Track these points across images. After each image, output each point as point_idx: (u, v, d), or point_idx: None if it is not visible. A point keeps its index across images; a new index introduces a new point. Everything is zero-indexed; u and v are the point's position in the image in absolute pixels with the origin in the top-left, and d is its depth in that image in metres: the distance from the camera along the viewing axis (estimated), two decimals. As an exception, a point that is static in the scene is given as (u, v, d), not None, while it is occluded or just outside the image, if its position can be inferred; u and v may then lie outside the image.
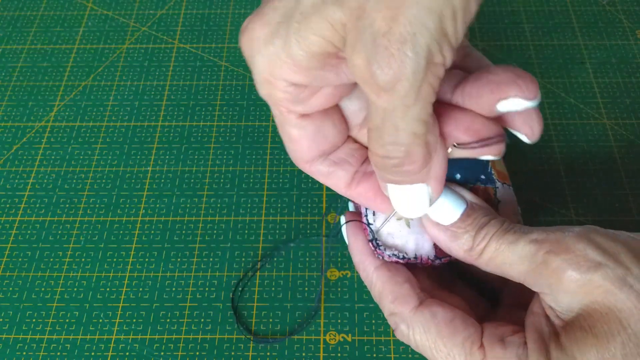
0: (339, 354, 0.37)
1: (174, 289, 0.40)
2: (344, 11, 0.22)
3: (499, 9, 0.54)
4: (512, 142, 0.45)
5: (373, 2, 0.22)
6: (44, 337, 0.38)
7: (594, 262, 0.26)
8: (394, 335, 0.37)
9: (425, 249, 0.32)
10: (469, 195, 0.31)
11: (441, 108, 0.28)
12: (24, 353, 0.37)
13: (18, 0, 0.56)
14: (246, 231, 0.42)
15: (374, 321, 0.38)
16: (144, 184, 0.44)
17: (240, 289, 0.40)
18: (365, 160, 0.31)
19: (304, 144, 0.28)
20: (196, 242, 0.42)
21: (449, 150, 0.28)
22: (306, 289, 0.40)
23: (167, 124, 0.48)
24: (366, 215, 0.32)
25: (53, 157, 0.46)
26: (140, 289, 0.40)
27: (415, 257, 0.32)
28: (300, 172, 0.45)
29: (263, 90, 0.27)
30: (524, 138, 0.29)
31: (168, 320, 0.39)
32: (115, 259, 0.41)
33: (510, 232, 0.29)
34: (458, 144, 0.28)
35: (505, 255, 0.28)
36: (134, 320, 0.39)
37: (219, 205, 0.43)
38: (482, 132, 0.28)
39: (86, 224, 0.43)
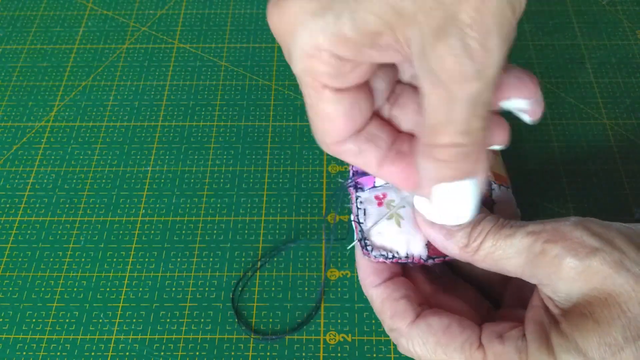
0: (339, 354, 0.37)
1: (174, 289, 0.40)
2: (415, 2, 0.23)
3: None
4: (512, 142, 0.45)
5: None
6: (44, 337, 0.38)
7: (592, 248, 0.26)
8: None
9: (417, 249, 0.32)
10: None
11: None
12: (24, 353, 0.37)
13: (18, 0, 0.56)
14: (246, 231, 0.42)
15: (374, 321, 0.38)
16: (144, 184, 0.44)
17: (240, 288, 0.40)
18: (398, 139, 0.30)
19: (340, 120, 0.27)
20: (196, 242, 0.42)
21: None
22: (306, 289, 0.40)
23: (167, 124, 0.48)
24: (357, 215, 0.32)
25: (53, 157, 0.46)
26: (140, 289, 0.40)
27: (407, 257, 0.32)
28: (300, 172, 0.45)
29: (301, 64, 0.26)
30: (526, 118, 0.29)
31: (168, 320, 0.39)
32: (115, 259, 0.41)
33: (506, 227, 0.29)
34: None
35: (503, 250, 0.28)
36: (134, 320, 0.39)
37: (219, 205, 0.43)
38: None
39: (86, 224, 0.43)
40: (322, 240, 0.41)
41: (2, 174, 0.45)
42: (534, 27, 0.53)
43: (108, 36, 0.53)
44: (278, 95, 0.49)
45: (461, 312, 0.31)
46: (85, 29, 0.54)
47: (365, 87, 0.28)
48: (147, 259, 0.41)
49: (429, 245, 0.32)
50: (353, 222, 0.33)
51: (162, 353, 0.37)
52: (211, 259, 0.41)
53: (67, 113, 0.49)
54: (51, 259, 0.41)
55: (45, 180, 0.45)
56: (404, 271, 0.33)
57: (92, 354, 0.37)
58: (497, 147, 0.29)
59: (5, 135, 0.47)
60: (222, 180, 0.44)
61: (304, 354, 0.37)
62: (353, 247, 0.36)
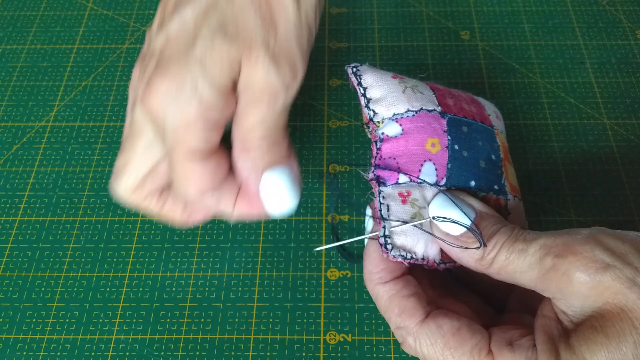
0: (339, 354, 0.37)
1: (174, 289, 0.40)
2: (237, 47, 0.29)
3: (499, 9, 0.54)
4: (512, 142, 0.45)
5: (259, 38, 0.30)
6: (44, 337, 0.38)
7: (603, 264, 0.26)
8: (394, 335, 0.37)
9: (432, 252, 0.31)
10: (477, 204, 0.31)
11: None
12: (24, 353, 0.37)
13: (18, 0, 0.56)
14: (246, 231, 0.42)
15: (374, 321, 0.38)
16: (144, 184, 0.44)
17: (240, 288, 0.40)
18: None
19: (207, 178, 0.31)
20: (196, 242, 0.42)
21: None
22: (306, 289, 0.40)
23: (167, 124, 0.48)
24: (380, 210, 0.32)
25: (53, 157, 0.46)
26: (140, 289, 0.40)
27: (423, 259, 0.31)
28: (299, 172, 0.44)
29: (175, 136, 0.30)
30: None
31: (168, 320, 0.39)
32: (115, 259, 0.41)
33: (520, 240, 0.28)
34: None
35: (516, 264, 0.28)
36: (134, 320, 0.39)
37: (219, 205, 0.43)
38: None
39: (86, 224, 0.43)
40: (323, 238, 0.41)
41: (2, 174, 0.45)
42: (534, 27, 0.53)
43: (108, 36, 0.53)
44: (278, 95, 0.49)
45: (466, 317, 0.31)
46: (85, 29, 0.54)
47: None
48: (147, 259, 0.41)
49: (442, 250, 0.32)
50: (372, 217, 0.32)
51: (162, 353, 0.37)
52: (211, 259, 0.41)
53: (67, 113, 0.49)
54: (51, 259, 0.41)
55: (45, 180, 0.45)
56: (410, 272, 0.33)
57: (92, 354, 0.37)
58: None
59: (5, 135, 0.47)
60: (222, 180, 0.44)
61: (304, 354, 0.37)
62: (358, 246, 0.35)
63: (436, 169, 0.32)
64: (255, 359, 0.37)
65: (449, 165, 0.32)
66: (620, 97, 0.48)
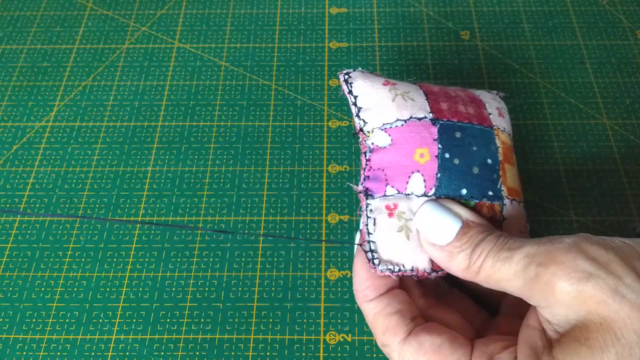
0: (339, 354, 0.37)
1: (174, 289, 0.40)
2: None
3: (499, 9, 0.54)
4: (513, 143, 0.45)
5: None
6: (44, 337, 0.38)
7: (585, 273, 0.26)
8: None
9: (422, 262, 0.31)
10: (464, 213, 0.31)
11: None
12: (24, 353, 0.37)
13: (18, 0, 0.56)
14: (246, 231, 0.42)
15: (374, 321, 0.38)
16: (144, 184, 0.44)
17: (239, 288, 0.40)
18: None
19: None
20: (196, 242, 0.42)
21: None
22: (306, 289, 0.40)
23: (167, 124, 0.48)
24: (367, 224, 0.32)
25: (53, 157, 0.46)
26: (140, 289, 0.40)
27: (412, 270, 0.31)
28: (300, 172, 0.45)
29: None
30: None
31: (168, 320, 0.39)
32: (115, 259, 0.41)
33: (504, 249, 0.28)
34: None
35: (502, 272, 0.28)
36: (134, 320, 0.39)
37: (219, 205, 0.43)
38: None
39: (86, 224, 0.43)
40: (322, 240, 0.41)
41: (2, 174, 0.45)
42: (534, 27, 0.53)
43: (108, 36, 0.53)
44: (278, 95, 0.49)
45: (455, 326, 0.31)
46: (85, 29, 0.54)
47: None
48: (147, 259, 0.41)
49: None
50: (361, 232, 0.32)
51: (162, 353, 0.37)
52: (211, 259, 0.41)
53: (67, 113, 0.49)
54: (51, 259, 0.41)
55: (45, 180, 0.45)
56: (400, 283, 0.33)
57: (92, 354, 0.37)
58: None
59: (5, 135, 0.47)
60: (222, 180, 0.44)
61: (304, 354, 0.37)
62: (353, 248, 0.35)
63: (424, 180, 0.32)
64: (255, 359, 0.37)
65: (439, 175, 0.32)
66: (620, 97, 0.48)
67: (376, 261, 0.31)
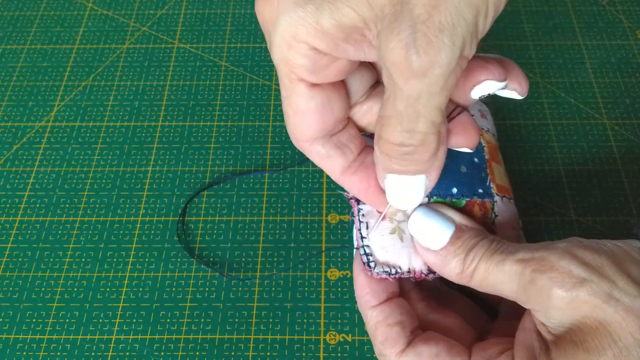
0: (339, 354, 0.37)
1: (174, 289, 0.40)
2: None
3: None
4: (512, 142, 0.45)
5: None
6: (44, 337, 0.38)
7: (579, 279, 0.26)
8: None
9: (418, 264, 0.31)
10: (457, 217, 0.31)
11: None
12: (24, 353, 0.37)
13: (18, 0, 0.56)
14: (246, 231, 0.42)
15: (374, 321, 0.38)
16: (144, 184, 0.44)
17: (240, 288, 0.40)
18: (363, 150, 0.31)
19: (311, 117, 0.28)
20: (196, 242, 0.42)
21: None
22: (306, 289, 0.40)
23: (167, 124, 0.48)
24: (360, 229, 0.32)
25: (53, 157, 0.46)
26: (140, 289, 0.40)
27: (409, 272, 0.31)
28: (300, 172, 0.45)
29: (279, 54, 0.26)
30: (515, 94, 0.29)
31: (168, 320, 0.39)
32: (115, 259, 0.41)
33: (497, 253, 0.28)
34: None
35: (495, 276, 0.28)
36: (134, 320, 0.39)
37: (219, 205, 0.43)
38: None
39: (86, 224, 0.43)
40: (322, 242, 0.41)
41: (2, 174, 0.45)
42: (534, 27, 0.53)
43: (108, 36, 0.53)
44: (278, 95, 0.49)
45: (455, 330, 0.31)
46: (85, 29, 0.54)
47: (341, 87, 0.28)
48: (147, 259, 0.41)
49: None
50: (355, 237, 0.32)
51: (162, 353, 0.37)
52: (211, 259, 0.41)
53: (67, 113, 0.49)
54: (51, 259, 0.41)
55: (45, 180, 0.45)
56: (400, 290, 0.32)
57: (92, 354, 0.37)
58: (465, 150, 0.29)
59: (5, 135, 0.47)
60: (221, 180, 0.44)
61: (304, 354, 0.37)
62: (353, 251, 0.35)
63: None
64: (255, 359, 0.37)
65: None
66: (620, 97, 0.48)
67: (372, 264, 0.31)
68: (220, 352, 0.37)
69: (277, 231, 0.42)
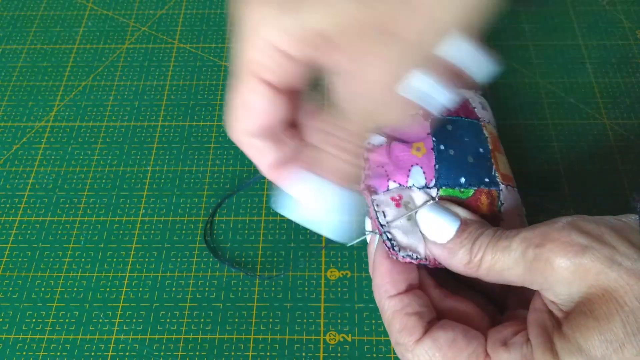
0: (339, 354, 0.37)
1: (174, 289, 0.40)
2: (357, 6, 0.24)
3: (499, 9, 0.54)
4: (512, 142, 0.45)
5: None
6: (44, 337, 0.38)
7: (580, 246, 0.27)
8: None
9: None
10: (462, 212, 0.32)
11: None
12: (24, 353, 0.37)
13: (18, 0, 0.56)
14: (246, 231, 0.42)
15: (374, 321, 0.38)
16: (144, 184, 0.44)
17: (239, 289, 0.40)
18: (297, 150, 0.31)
19: (258, 115, 0.28)
20: (196, 242, 0.42)
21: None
22: (306, 289, 0.40)
23: (167, 124, 0.48)
24: (377, 218, 0.32)
25: (53, 157, 0.46)
26: (140, 289, 0.40)
27: (426, 258, 0.32)
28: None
29: (250, 53, 0.26)
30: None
31: (168, 320, 0.39)
32: (115, 259, 0.41)
33: (502, 238, 0.29)
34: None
35: (502, 262, 0.29)
36: (134, 320, 0.39)
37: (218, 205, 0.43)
38: None
39: (86, 224, 0.43)
40: (322, 241, 0.41)
41: (2, 174, 0.45)
42: (534, 27, 0.53)
43: (108, 36, 0.53)
44: (278, 95, 0.49)
45: (471, 315, 0.31)
46: (85, 29, 0.54)
47: (294, 92, 0.29)
48: (147, 259, 0.41)
49: None
50: (371, 227, 0.33)
51: (162, 353, 0.37)
52: (211, 259, 0.41)
53: (67, 113, 0.49)
54: (51, 259, 0.41)
55: (45, 180, 0.45)
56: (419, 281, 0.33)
57: (92, 354, 0.37)
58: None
59: (5, 135, 0.47)
60: (221, 180, 0.44)
61: (304, 354, 0.37)
62: (358, 246, 0.35)
63: (424, 172, 0.33)
64: (255, 359, 0.37)
65: (437, 166, 0.33)
66: (620, 97, 0.48)
67: (396, 248, 0.31)
68: (220, 352, 0.37)
69: (277, 231, 0.42)
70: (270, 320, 0.38)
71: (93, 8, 0.56)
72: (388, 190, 0.33)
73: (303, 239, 0.41)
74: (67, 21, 0.55)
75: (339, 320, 0.38)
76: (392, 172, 0.33)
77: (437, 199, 0.32)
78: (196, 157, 0.46)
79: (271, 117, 0.28)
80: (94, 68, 0.51)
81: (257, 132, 0.29)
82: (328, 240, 0.41)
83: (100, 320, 0.39)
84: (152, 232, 0.42)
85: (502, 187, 0.33)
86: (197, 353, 0.37)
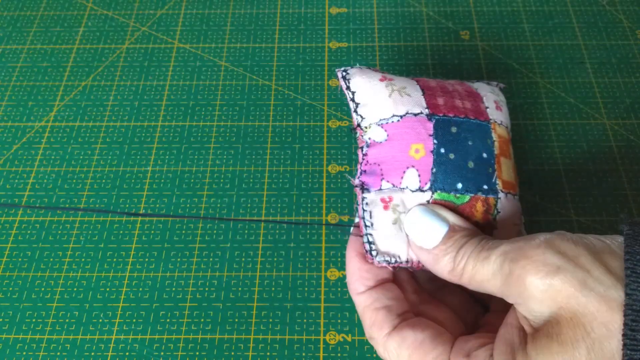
0: (339, 354, 0.37)
1: (174, 289, 0.40)
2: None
3: (499, 9, 0.54)
4: (512, 142, 0.45)
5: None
6: (44, 337, 0.38)
7: (553, 267, 0.26)
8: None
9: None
10: (452, 217, 0.31)
11: None
12: (24, 353, 0.37)
13: (18, 0, 0.56)
14: (246, 231, 0.42)
15: (374, 321, 0.38)
16: (144, 184, 0.44)
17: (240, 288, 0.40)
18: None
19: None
20: (196, 242, 0.42)
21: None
22: (306, 289, 0.40)
23: (167, 124, 0.48)
24: (363, 217, 0.32)
25: (53, 157, 0.46)
26: (140, 289, 0.40)
27: (407, 261, 0.32)
28: (300, 172, 0.45)
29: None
30: None
31: (168, 320, 0.39)
32: (115, 259, 0.41)
33: (484, 250, 0.29)
34: None
35: (482, 273, 0.29)
36: (134, 320, 0.39)
37: (219, 205, 0.43)
38: None
39: (86, 224, 0.43)
40: (322, 240, 0.41)
41: (2, 174, 0.45)
42: (534, 27, 0.53)
43: (108, 36, 0.53)
44: (278, 95, 0.49)
45: (444, 323, 0.32)
46: (85, 29, 0.54)
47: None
48: (147, 259, 0.41)
49: None
50: (357, 226, 0.33)
51: (162, 353, 0.37)
52: (211, 259, 0.41)
53: (67, 113, 0.49)
54: (51, 259, 0.41)
55: (45, 180, 0.45)
56: (394, 278, 0.33)
57: (92, 354, 0.37)
58: None
59: (5, 135, 0.47)
60: (222, 180, 0.44)
61: (304, 354, 0.37)
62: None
63: (419, 175, 0.32)
64: (255, 359, 0.37)
65: (434, 170, 0.32)
66: (620, 97, 0.48)
67: (374, 252, 0.31)
68: (220, 352, 0.37)
69: (277, 231, 0.42)
70: (270, 320, 0.38)
71: (93, 8, 0.56)
72: (380, 189, 0.32)
73: (303, 239, 0.42)
74: (67, 21, 0.55)
75: (339, 320, 0.38)
76: (386, 172, 0.33)
77: (430, 203, 0.32)
78: (196, 157, 0.46)
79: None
80: (94, 68, 0.51)
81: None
82: (328, 236, 0.41)
83: (100, 320, 0.39)
84: (152, 232, 0.42)
85: (501, 195, 0.33)
86: (197, 353, 0.37)
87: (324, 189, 0.44)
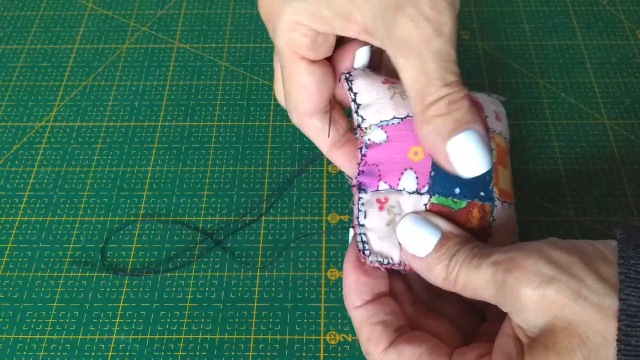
0: (339, 354, 0.37)
1: (174, 289, 0.40)
2: None
3: (499, 9, 0.54)
4: (512, 143, 0.45)
5: None
6: (44, 337, 0.38)
7: (546, 277, 0.26)
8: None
9: None
10: (444, 225, 0.31)
11: None
12: (24, 353, 0.37)
13: (18, 0, 0.56)
14: (246, 231, 0.42)
15: (374, 321, 0.38)
16: (144, 184, 0.44)
17: (240, 288, 0.40)
18: (347, 131, 0.35)
19: (311, 90, 0.32)
20: (196, 242, 0.42)
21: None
22: (306, 289, 0.40)
23: (167, 124, 0.48)
24: (357, 217, 0.32)
25: (53, 157, 0.46)
26: (141, 289, 0.40)
27: (400, 264, 0.32)
28: (300, 172, 0.45)
29: (284, 37, 0.31)
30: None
31: (168, 320, 0.39)
32: (115, 259, 0.41)
33: (476, 257, 0.29)
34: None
35: (474, 281, 0.28)
36: (134, 320, 0.39)
37: (219, 205, 0.43)
38: None
39: (86, 224, 0.43)
40: (323, 237, 0.41)
41: (2, 174, 0.45)
42: (534, 27, 0.53)
43: (108, 36, 0.53)
44: (278, 95, 0.49)
45: (441, 334, 0.31)
46: (85, 29, 0.54)
47: (330, 65, 0.33)
48: (147, 259, 0.41)
49: None
50: (353, 226, 0.33)
51: (162, 353, 0.37)
52: (211, 259, 0.41)
53: (67, 113, 0.49)
54: (51, 259, 0.41)
55: (45, 180, 0.45)
56: (390, 291, 0.33)
57: (92, 354, 0.37)
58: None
59: (5, 135, 0.47)
60: (222, 180, 0.44)
61: (304, 354, 0.37)
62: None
63: (417, 177, 0.32)
64: (255, 359, 0.37)
65: (432, 173, 0.32)
66: (620, 97, 0.48)
67: (367, 252, 0.31)
68: (220, 352, 0.37)
69: (277, 231, 0.42)
70: (270, 320, 0.38)
71: (93, 8, 0.56)
72: (377, 190, 0.32)
73: (303, 239, 0.42)
74: (67, 21, 0.55)
75: (339, 320, 0.38)
76: (384, 173, 0.33)
77: (427, 206, 0.32)
78: (196, 157, 0.46)
79: (323, 90, 0.33)
80: (94, 68, 0.51)
81: (314, 109, 0.33)
82: (328, 236, 0.41)
83: (100, 320, 0.39)
84: (152, 232, 0.42)
85: (497, 203, 0.33)
86: (197, 353, 0.37)
87: (324, 189, 0.44)
